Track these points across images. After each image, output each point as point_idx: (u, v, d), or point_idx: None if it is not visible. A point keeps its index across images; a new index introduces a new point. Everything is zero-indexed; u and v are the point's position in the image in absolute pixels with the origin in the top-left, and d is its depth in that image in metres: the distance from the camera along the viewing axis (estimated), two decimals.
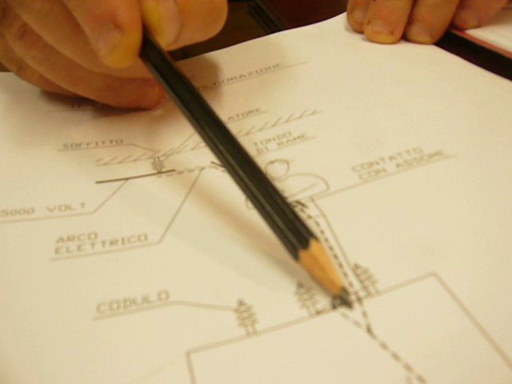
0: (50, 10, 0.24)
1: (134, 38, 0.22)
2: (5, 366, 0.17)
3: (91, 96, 0.29)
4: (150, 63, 0.22)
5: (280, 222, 0.18)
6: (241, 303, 0.19)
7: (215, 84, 0.33)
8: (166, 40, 0.24)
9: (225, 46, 0.38)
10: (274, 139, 0.27)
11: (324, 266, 0.18)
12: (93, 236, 0.22)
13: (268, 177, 0.20)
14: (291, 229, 0.18)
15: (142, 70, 0.23)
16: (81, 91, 0.29)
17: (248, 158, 0.20)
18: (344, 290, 0.18)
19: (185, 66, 0.36)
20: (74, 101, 0.32)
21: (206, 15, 0.25)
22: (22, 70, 0.30)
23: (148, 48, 0.23)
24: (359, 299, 0.18)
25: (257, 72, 0.34)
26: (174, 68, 0.22)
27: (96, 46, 0.23)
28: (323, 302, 0.18)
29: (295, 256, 0.19)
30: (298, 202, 0.23)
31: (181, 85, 0.22)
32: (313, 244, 0.18)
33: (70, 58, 0.26)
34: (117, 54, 0.22)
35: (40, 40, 0.26)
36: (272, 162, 0.25)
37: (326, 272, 0.18)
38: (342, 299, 0.18)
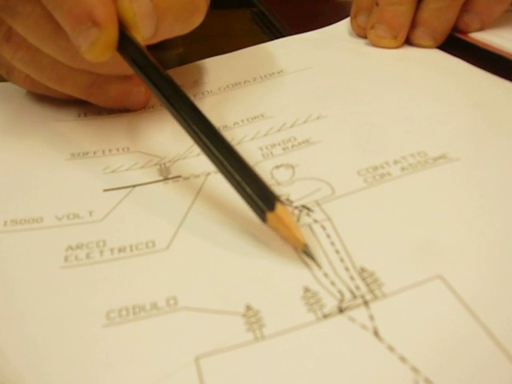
0: (31, 12, 0.26)
1: (111, 34, 0.24)
2: (14, 373, 0.17)
3: (77, 94, 0.30)
4: (128, 56, 0.24)
5: (248, 189, 0.21)
6: (248, 308, 0.19)
7: (219, 89, 0.34)
8: (144, 35, 0.25)
9: (229, 52, 0.38)
10: (279, 144, 0.27)
11: (289, 225, 0.20)
12: (101, 244, 0.22)
13: (236, 149, 0.21)
14: (258, 194, 0.20)
15: (122, 66, 0.25)
16: (67, 89, 0.30)
17: (219, 135, 0.22)
18: (306, 246, 0.20)
19: (188, 71, 0.36)
20: (80, 110, 0.32)
21: (183, 9, 0.26)
22: (10, 72, 0.31)
23: (125, 43, 0.25)
24: (366, 302, 0.18)
25: (261, 78, 0.34)
26: (150, 59, 0.24)
27: (77, 43, 0.24)
28: (330, 305, 0.18)
29: (263, 218, 0.20)
30: (304, 207, 0.23)
31: (155, 73, 0.24)
32: (278, 206, 0.20)
33: (53, 57, 0.28)
34: (96, 50, 0.24)
35: (25, 42, 0.27)
36: (277, 167, 0.25)
37: (290, 230, 0.20)
38: (306, 253, 0.20)
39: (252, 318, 0.18)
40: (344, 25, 0.40)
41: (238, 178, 0.21)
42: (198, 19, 0.28)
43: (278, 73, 0.34)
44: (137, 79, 0.30)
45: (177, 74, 0.36)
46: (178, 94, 0.23)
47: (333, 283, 0.19)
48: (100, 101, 0.31)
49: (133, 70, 0.24)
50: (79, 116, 0.32)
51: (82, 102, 0.32)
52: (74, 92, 0.30)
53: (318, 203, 0.23)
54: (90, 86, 0.30)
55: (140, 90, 0.31)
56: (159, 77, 0.23)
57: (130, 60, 0.24)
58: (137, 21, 0.25)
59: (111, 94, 0.31)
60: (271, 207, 0.20)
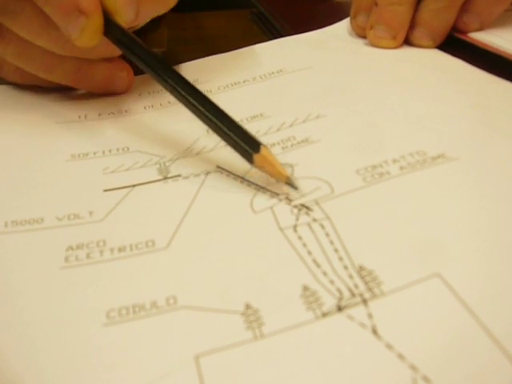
0: (22, 9, 0.28)
1: (97, 21, 0.27)
2: (14, 373, 0.17)
3: (65, 81, 0.32)
4: (114, 38, 0.27)
5: (236, 138, 0.24)
6: (248, 307, 0.19)
7: (219, 88, 0.34)
8: (126, 19, 0.28)
9: None
10: (279, 143, 0.27)
11: (273, 163, 0.23)
12: (101, 244, 0.22)
13: (221, 108, 0.25)
14: (245, 140, 0.24)
15: (109, 48, 0.29)
16: (56, 78, 0.32)
17: (206, 98, 0.25)
18: (289, 178, 0.23)
19: (188, 70, 0.36)
20: (80, 112, 0.32)
21: None
22: (0, 67, 0.33)
23: (111, 27, 0.27)
24: (364, 301, 0.18)
25: (260, 77, 0.34)
26: (133, 38, 0.27)
27: (67, 32, 0.27)
28: (329, 304, 0.18)
29: (250, 160, 0.24)
30: (303, 206, 0.23)
31: (138, 48, 0.27)
32: (262, 148, 0.23)
33: (43, 48, 0.30)
34: (86, 36, 0.27)
35: (15, 36, 0.29)
36: None
37: (274, 167, 0.23)
38: (289, 184, 0.23)
39: (251, 316, 0.18)
40: (343, 25, 0.40)
41: (226, 130, 0.24)
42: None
43: (278, 72, 0.34)
44: (119, 65, 0.33)
45: None
46: (159, 62, 0.26)
47: (331, 282, 0.19)
48: (87, 86, 0.33)
49: (119, 49, 0.28)
50: (79, 118, 0.32)
51: (83, 104, 0.32)
52: (63, 80, 0.32)
53: (317, 202, 0.23)
54: (77, 73, 0.32)
55: (123, 74, 0.33)
56: (142, 51, 0.26)
57: (116, 41, 0.27)
58: (118, 8, 0.27)
59: (96, 79, 0.33)
60: (257, 149, 0.23)
